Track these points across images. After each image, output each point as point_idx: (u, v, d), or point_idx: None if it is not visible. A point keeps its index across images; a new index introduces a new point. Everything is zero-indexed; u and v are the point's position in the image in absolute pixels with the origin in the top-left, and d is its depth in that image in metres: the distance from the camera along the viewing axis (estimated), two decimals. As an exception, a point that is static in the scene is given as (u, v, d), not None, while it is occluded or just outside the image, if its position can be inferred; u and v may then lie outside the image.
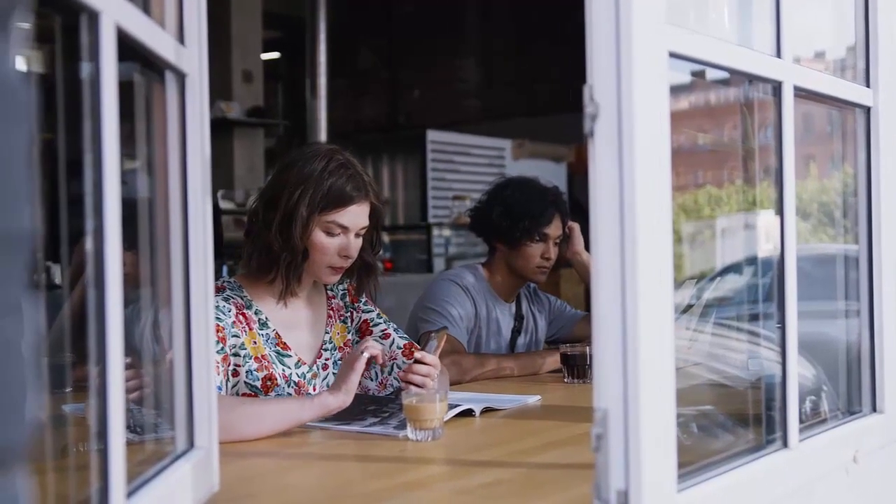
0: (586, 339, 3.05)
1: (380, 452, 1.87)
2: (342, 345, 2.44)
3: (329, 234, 2.26)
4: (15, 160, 0.55)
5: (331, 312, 2.45)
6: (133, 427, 1.36)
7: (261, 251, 2.27)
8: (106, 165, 1.04)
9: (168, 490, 1.27)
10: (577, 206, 3.37)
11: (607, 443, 1.20)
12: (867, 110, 1.87)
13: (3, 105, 0.55)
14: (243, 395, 2.22)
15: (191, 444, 1.43)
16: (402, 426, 1.99)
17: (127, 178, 1.22)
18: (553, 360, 2.92)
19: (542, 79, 9.49)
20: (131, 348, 1.16)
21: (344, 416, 2.10)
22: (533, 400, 2.44)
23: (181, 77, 1.40)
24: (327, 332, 2.42)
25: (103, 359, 1.05)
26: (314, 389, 2.33)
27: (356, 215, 2.27)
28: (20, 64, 0.58)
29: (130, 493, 1.13)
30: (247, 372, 2.22)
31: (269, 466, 1.82)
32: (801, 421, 1.59)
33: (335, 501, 1.58)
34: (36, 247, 0.60)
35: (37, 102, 0.59)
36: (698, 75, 1.54)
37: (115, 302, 1.05)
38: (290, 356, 2.31)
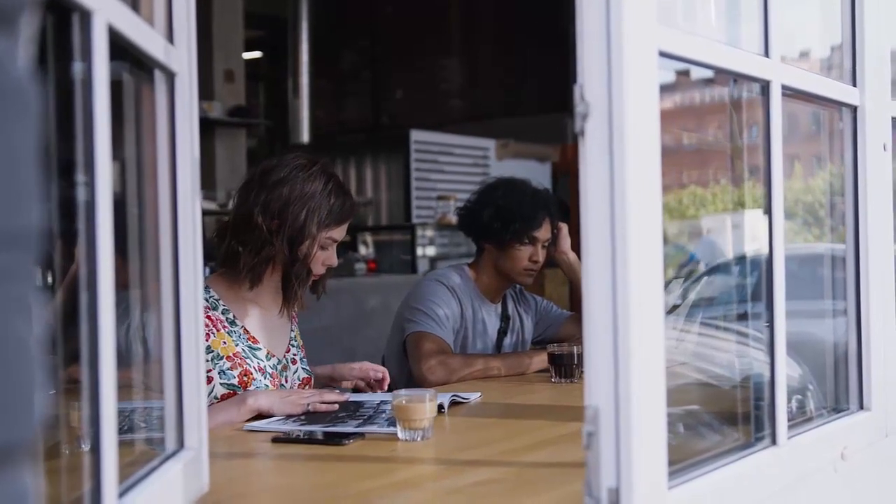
0: (573, 339, 3.06)
1: (370, 452, 1.87)
2: (301, 345, 2.58)
3: (322, 248, 2.39)
4: (23, 158, 0.55)
5: (294, 314, 2.56)
6: (122, 428, 1.35)
7: (265, 261, 2.35)
8: (98, 166, 1.03)
9: (159, 490, 1.27)
10: (561, 206, 3.37)
11: (598, 441, 1.21)
12: (854, 109, 1.88)
13: (12, 104, 0.55)
14: (221, 395, 2.27)
15: (181, 444, 1.42)
16: (393, 423, 1.98)
17: (115, 179, 1.22)
18: (540, 360, 2.92)
19: (527, 79, 9.52)
20: (118, 349, 1.16)
21: (324, 419, 2.11)
22: (474, 397, 2.44)
23: (171, 76, 1.39)
24: (292, 330, 2.54)
25: (95, 360, 1.04)
26: (286, 381, 2.44)
27: (345, 229, 2.45)
28: (27, 62, 0.58)
29: (122, 494, 1.13)
30: (220, 373, 2.29)
31: (259, 467, 1.82)
32: (788, 419, 1.60)
33: (325, 502, 1.57)
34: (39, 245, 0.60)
35: (42, 101, 0.59)
36: (683, 74, 1.54)
37: (106, 302, 1.04)
38: (260, 349, 2.40)
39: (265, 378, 2.36)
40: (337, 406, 2.22)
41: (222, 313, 2.36)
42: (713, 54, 1.46)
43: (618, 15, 1.19)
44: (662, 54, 1.28)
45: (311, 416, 2.16)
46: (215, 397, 2.26)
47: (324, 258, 2.40)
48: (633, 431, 1.19)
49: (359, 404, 2.29)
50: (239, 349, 2.34)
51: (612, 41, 1.19)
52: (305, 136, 8.93)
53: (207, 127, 7.64)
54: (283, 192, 2.33)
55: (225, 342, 2.32)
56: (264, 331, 2.43)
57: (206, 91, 7.74)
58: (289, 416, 2.15)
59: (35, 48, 0.70)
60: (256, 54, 10.73)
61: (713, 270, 2.20)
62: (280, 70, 9.41)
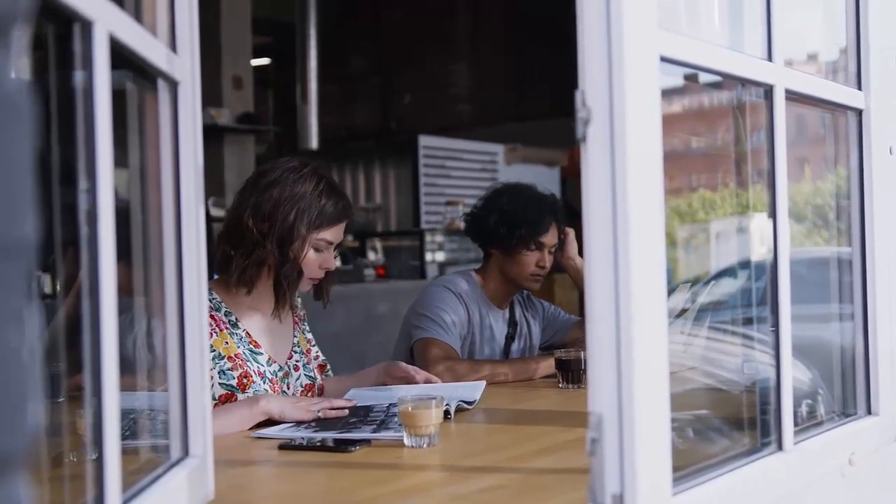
0: (580, 344, 3.05)
1: (376, 459, 1.86)
2: (306, 350, 2.56)
3: (316, 250, 2.39)
4: (17, 168, 0.56)
5: (296, 319, 2.57)
6: (126, 434, 1.35)
7: (256, 264, 2.35)
8: (100, 174, 1.03)
9: (163, 498, 1.27)
10: (569, 211, 3.36)
11: (602, 447, 1.20)
12: (859, 113, 1.87)
13: (6, 114, 0.55)
14: (220, 396, 2.28)
15: (185, 452, 1.42)
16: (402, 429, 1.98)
17: (119, 187, 1.22)
18: (547, 365, 2.92)
19: (535, 83, 9.50)
20: (124, 358, 1.16)
21: (336, 425, 2.10)
22: (479, 391, 2.47)
23: (173, 85, 1.40)
24: (295, 336, 2.54)
25: (98, 367, 1.04)
26: (287, 388, 2.44)
27: (341, 232, 2.43)
28: (21, 72, 0.58)
29: (125, 502, 1.13)
30: (220, 373, 2.30)
31: (264, 475, 1.82)
32: (796, 424, 1.60)
33: (331, 508, 1.58)
34: (35, 255, 0.60)
35: (37, 111, 0.60)
36: (691, 79, 1.54)
37: (109, 310, 1.05)
38: (262, 353, 2.40)
39: (264, 383, 2.36)
40: (347, 412, 2.22)
41: (225, 315, 2.37)
42: (715, 59, 1.46)
43: (618, 20, 1.18)
44: (664, 59, 1.28)
45: (322, 422, 2.16)
46: (214, 397, 2.26)
47: (320, 261, 2.39)
48: (636, 437, 1.18)
49: (368, 409, 2.28)
50: (240, 351, 2.34)
51: (612, 46, 1.19)
52: (314, 142, 8.92)
53: (216, 134, 7.65)
54: (274, 194, 2.34)
55: (227, 342, 2.33)
56: (266, 336, 2.43)
57: (214, 98, 7.74)
58: (299, 423, 2.15)
59: (34, 58, 0.70)
60: (264, 60, 10.73)
61: (722, 274, 2.19)
62: (288, 76, 9.41)
